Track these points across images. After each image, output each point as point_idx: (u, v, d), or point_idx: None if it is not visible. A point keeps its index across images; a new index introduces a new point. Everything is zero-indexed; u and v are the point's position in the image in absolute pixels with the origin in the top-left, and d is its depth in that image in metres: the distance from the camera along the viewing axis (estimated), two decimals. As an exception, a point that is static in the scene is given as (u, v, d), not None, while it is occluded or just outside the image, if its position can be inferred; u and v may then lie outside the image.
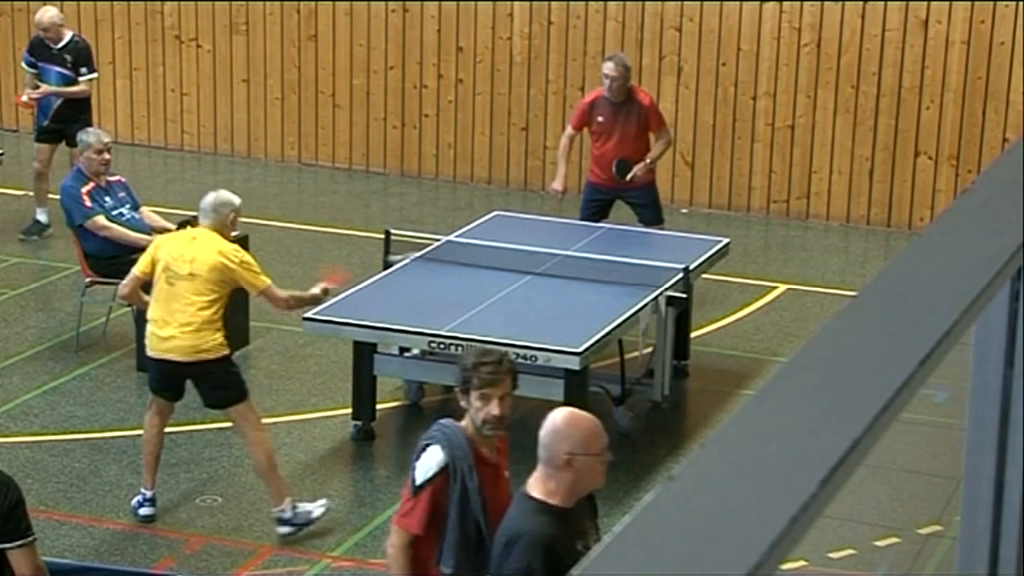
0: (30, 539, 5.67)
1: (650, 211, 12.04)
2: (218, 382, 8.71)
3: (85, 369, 10.97)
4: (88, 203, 10.85)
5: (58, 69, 13.55)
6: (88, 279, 11.15)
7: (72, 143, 13.23)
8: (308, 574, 8.46)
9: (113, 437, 9.99)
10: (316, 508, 8.81)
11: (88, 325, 11.45)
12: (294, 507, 8.73)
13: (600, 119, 11.90)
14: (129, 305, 9.62)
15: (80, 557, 8.33)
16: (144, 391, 10.60)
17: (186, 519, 8.92)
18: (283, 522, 8.72)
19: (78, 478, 9.40)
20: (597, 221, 11.96)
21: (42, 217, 13.77)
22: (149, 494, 8.88)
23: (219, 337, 8.67)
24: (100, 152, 10.99)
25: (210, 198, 8.83)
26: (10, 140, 16.57)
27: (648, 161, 11.84)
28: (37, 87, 13.68)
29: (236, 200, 8.88)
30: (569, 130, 12.28)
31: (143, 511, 8.87)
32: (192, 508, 9.05)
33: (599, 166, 12.06)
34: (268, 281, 8.77)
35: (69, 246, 11.62)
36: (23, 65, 13.98)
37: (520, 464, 9.80)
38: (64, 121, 13.48)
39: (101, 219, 10.85)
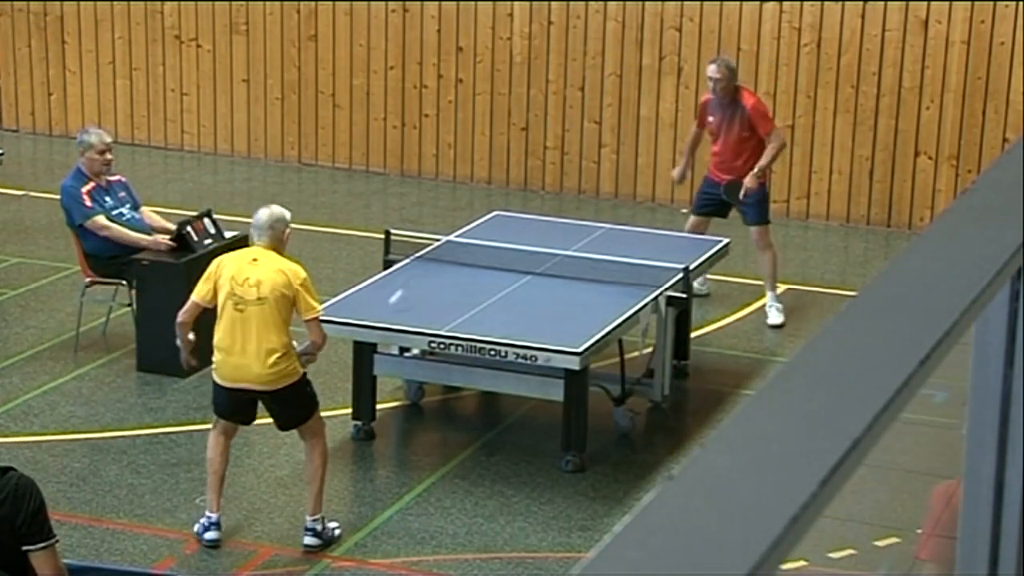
0: (52, 541, 5.75)
1: (754, 210, 12.05)
2: (295, 403, 8.53)
3: (85, 369, 10.97)
4: (88, 203, 10.85)
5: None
6: (88, 279, 11.15)
7: None
8: (308, 574, 8.46)
9: (113, 437, 9.99)
10: (336, 528, 8.79)
11: (88, 325, 11.44)
12: (324, 522, 8.72)
13: (711, 119, 12.09)
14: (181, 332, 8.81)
15: (80, 557, 8.33)
16: (144, 391, 10.61)
17: (186, 519, 8.92)
18: (314, 533, 8.64)
19: (78, 478, 9.40)
20: (708, 216, 12.18)
21: None
22: (215, 517, 8.61)
23: (295, 360, 8.49)
24: (102, 152, 10.99)
25: (264, 216, 8.55)
26: (10, 140, 16.57)
27: (755, 171, 11.86)
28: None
29: (288, 214, 8.65)
30: (694, 127, 12.55)
31: (209, 535, 8.60)
32: (192, 508, 9.05)
33: (714, 164, 12.21)
34: (319, 311, 8.62)
35: (69, 246, 11.62)
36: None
37: (519, 464, 9.83)
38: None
39: (101, 219, 10.85)
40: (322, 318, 9.61)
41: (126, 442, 9.80)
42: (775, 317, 12.08)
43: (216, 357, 8.50)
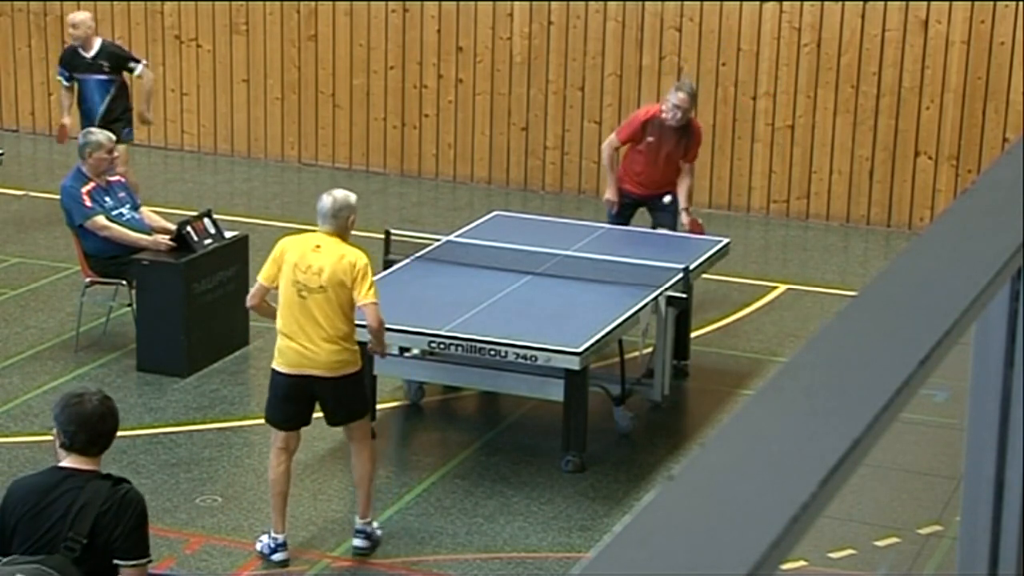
0: (145, 561, 5.74)
1: (670, 217, 11.95)
2: (352, 396, 8.45)
3: (85, 369, 10.97)
4: (88, 203, 10.85)
5: (96, 77, 13.38)
6: (88, 279, 11.15)
7: (120, 139, 13.08)
8: (308, 574, 8.46)
9: (113, 437, 9.98)
10: (379, 529, 8.76)
11: (88, 325, 11.45)
12: (372, 524, 8.69)
13: (650, 140, 11.68)
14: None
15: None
16: (144, 391, 10.61)
17: (186, 519, 8.92)
18: (364, 535, 8.61)
19: (78, 478, 9.39)
20: (623, 224, 11.94)
21: None
22: (281, 538, 8.46)
23: (357, 349, 8.44)
24: (110, 151, 11.03)
25: (327, 202, 8.44)
26: (10, 140, 16.57)
27: (688, 208, 11.79)
28: (70, 98, 13.53)
29: (353, 199, 8.52)
30: (615, 141, 11.92)
31: (276, 556, 8.47)
32: (192, 508, 9.05)
33: (635, 182, 11.87)
34: (373, 297, 8.47)
35: (69, 246, 11.62)
36: (58, 78, 13.71)
37: (519, 464, 9.83)
38: (114, 121, 13.24)
39: (101, 219, 10.85)
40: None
41: (126, 442, 9.80)
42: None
43: (280, 343, 8.36)
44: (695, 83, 14.90)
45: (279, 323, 8.39)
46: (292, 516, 8.98)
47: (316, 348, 8.27)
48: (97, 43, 13.51)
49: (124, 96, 13.48)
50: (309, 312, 8.29)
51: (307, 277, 8.32)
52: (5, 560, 5.74)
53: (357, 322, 8.50)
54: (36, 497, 5.76)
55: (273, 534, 8.49)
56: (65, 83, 13.60)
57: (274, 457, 8.47)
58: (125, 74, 13.47)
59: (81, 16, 13.65)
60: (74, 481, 5.72)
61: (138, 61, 13.57)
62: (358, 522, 8.63)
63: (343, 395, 8.40)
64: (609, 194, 12.01)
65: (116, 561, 5.69)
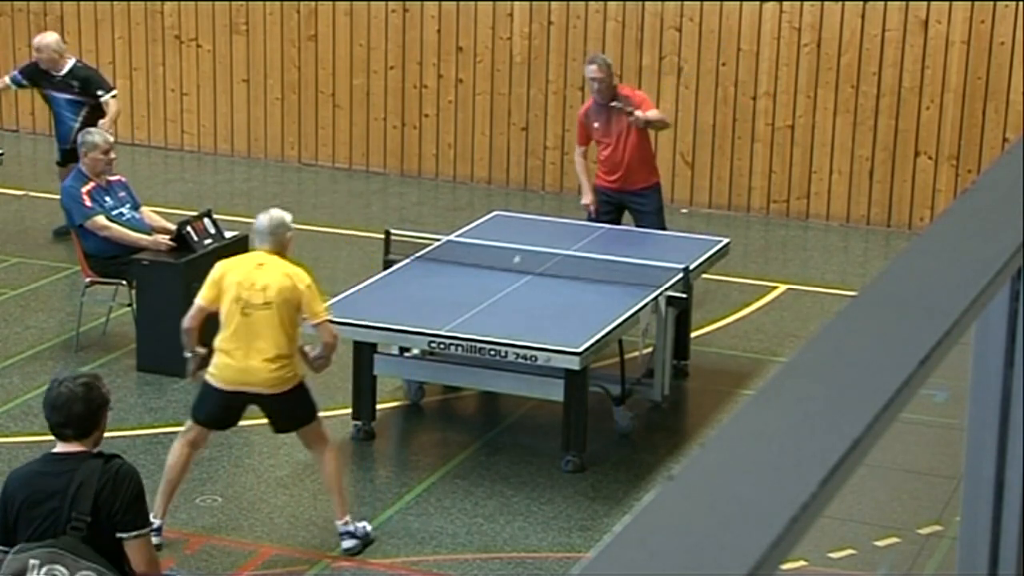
0: (145, 531, 5.95)
1: (652, 219, 11.92)
2: (295, 405, 8.49)
3: (85, 369, 10.94)
4: (88, 203, 10.85)
5: (66, 96, 13.26)
6: (88, 279, 11.15)
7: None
8: (308, 574, 8.46)
9: (112, 437, 9.97)
10: (367, 525, 8.78)
11: (88, 325, 11.45)
12: (353, 522, 8.70)
13: (596, 125, 11.82)
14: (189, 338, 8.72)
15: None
16: (144, 391, 10.62)
17: (186, 519, 8.92)
18: (349, 535, 8.63)
19: (78, 478, 9.39)
20: (606, 223, 11.89)
21: None
22: (158, 523, 8.42)
23: (297, 363, 8.50)
24: (106, 152, 11.02)
25: (264, 221, 8.55)
26: (10, 140, 16.57)
27: (640, 117, 11.63)
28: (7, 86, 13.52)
29: (289, 218, 8.64)
30: (578, 148, 12.11)
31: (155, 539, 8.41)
32: (192, 508, 9.05)
33: (603, 172, 11.99)
34: (326, 313, 8.60)
35: (69, 246, 11.62)
36: (6, 78, 13.57)
37: (519, 464, 9.83)
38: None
39: (101, 219, 10.85)
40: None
41: (126, 442, 9.80)
42: None
43: (218, 360, 8.45)
44: (695, 81, 14.92)
45: (218, 341, 8.46)
46: (293, 517, 8.99)
47: (256, 366, 8.34)
48: (68, 64, 13.32)
49: (97, 119, 13.15)
50: (252, 330, 8.36)
51: (251, 294, 8.38)
52: (14, 549, 5.88)
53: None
54: (33, 484, 5.91)
55: (152, 518, 8.22)
56: (11, 84, 13.48)
57: (179, 448, 8.56)
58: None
59: (47, 40, 13.34)
60: (66, 464, 5.90)
61: (108, 90, 13.37)
62: (338, 525, 8.64)
63: (286, 407, 8.48)
64: (584, 199, 12.07)
65: (119, 535, 5.84)
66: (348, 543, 8.62)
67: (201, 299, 8.56)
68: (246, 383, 8.37)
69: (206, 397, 8.55)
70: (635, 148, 11.81)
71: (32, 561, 5.82)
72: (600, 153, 11.98)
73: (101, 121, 13.14)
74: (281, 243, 8.54)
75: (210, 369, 8.51)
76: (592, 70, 11.70)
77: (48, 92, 13.36)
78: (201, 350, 8.65)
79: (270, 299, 8.37)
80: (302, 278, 8.48)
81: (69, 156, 13.35)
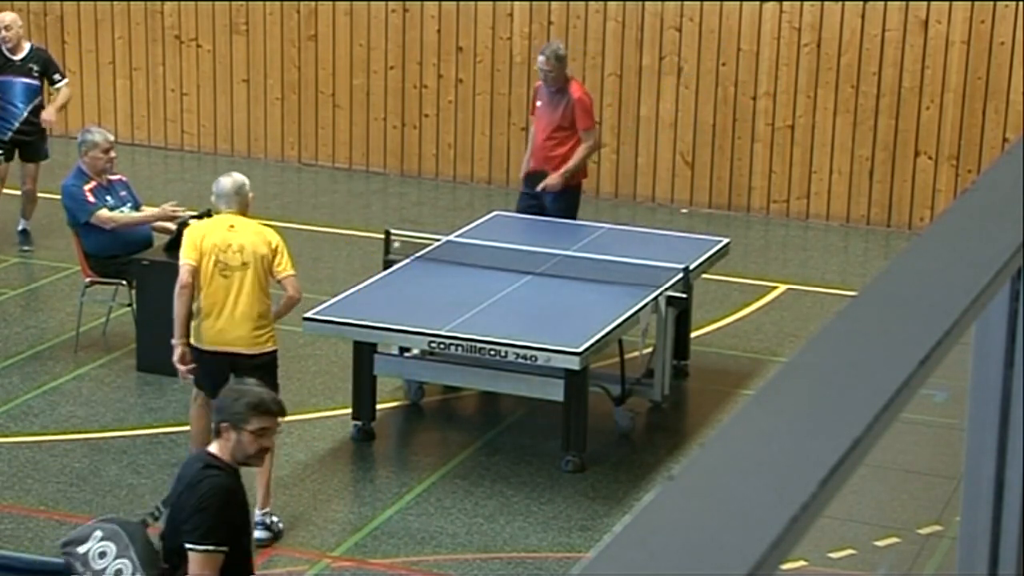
0: (201, 548, 6.02)
1: (559, 207, 11.91)
2: (263, 376, 8.36)
3: (85, 369, 10.97)
4: (91, 199, 10.86)
5: (24, 80, 13.07)
6: (88, 279, 11.15)
7: (28, 156, 13.05)
8: (308, 574, 8.46)
9: (113, 437, 9.99)
10: (280, 522, 8.79)
11: (88, 325, 11.44)
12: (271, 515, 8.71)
13: (538, 103, 12.06)
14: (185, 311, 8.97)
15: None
16: (144, 391, 10.61)
17: (186, 519, 8.92)
18: (264, 527, 8.64)
19: (78, 478, 9.40)
20: (534, 214, 11.87)
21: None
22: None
23: (273, 326, 8.82)
24: (107, 151, 11.02)
25: (227, 183, 8.86)
26: (10, 140, 16.54)
27: (563, 171, 11.72)
28: None
29: (245, 177, 8.97)
30: (532, 121, 12.35)
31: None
32: (192, 508, 9.05)
33: (532, 154, 12.08)
34: (293, 269, 8.92)
35: (69, 246, 11.62)
36: None
37: (519, 464, 9.83)
38: (29, 134, 13.04)
39: (105, 212, 10.88)
40: (322, 317, 9.65)
41: (126, 442, 9.80)
42: None
43: (198, 322, 8.69)
44: (695, 81, 14.91)
45: (199, 303, 8.69)
46: (293, 517, 8.98)
47: (236, 325, 8.62)
48: (27, 47, 13.26)
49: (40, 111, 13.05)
50: (231, 290, 8.65)
51: (228, 256, 8.68)
52: (103, 516, 6.48)
53: None
54: (182, 469, 6.35)
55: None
56: None
57: (196, 410, 8.88)
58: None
59: (11, 16, 13.23)
60: (197, 459, 6.33)
61: (63, 76, 13.28)
62: (257, 513, 8.52)
63: (257, 374, 8.41)
64: (523, 171, 12.27)
65: (185, 543, 5.99)
66: (262, 534, 8.59)
67: (190, 259, 8.76)
68: (225, 343, 8.62)
69: (200, 360, 8.77)
70: (552, 141, 11.81)
71: (97, 532, 6.13)
72: (537, 136, 12.07)
73: (49, 107, 13.11)
74: (245, 203, 8.88)
75: (191, 334, 8.74)
76: (541, 61, 11.97)
77: (3, 79, 13.04)
78: (184, 340, 8.77)
79: (247, 259, 8.68)
80: (272, 235, 8.84)
81: (7, 148, 13.01)
